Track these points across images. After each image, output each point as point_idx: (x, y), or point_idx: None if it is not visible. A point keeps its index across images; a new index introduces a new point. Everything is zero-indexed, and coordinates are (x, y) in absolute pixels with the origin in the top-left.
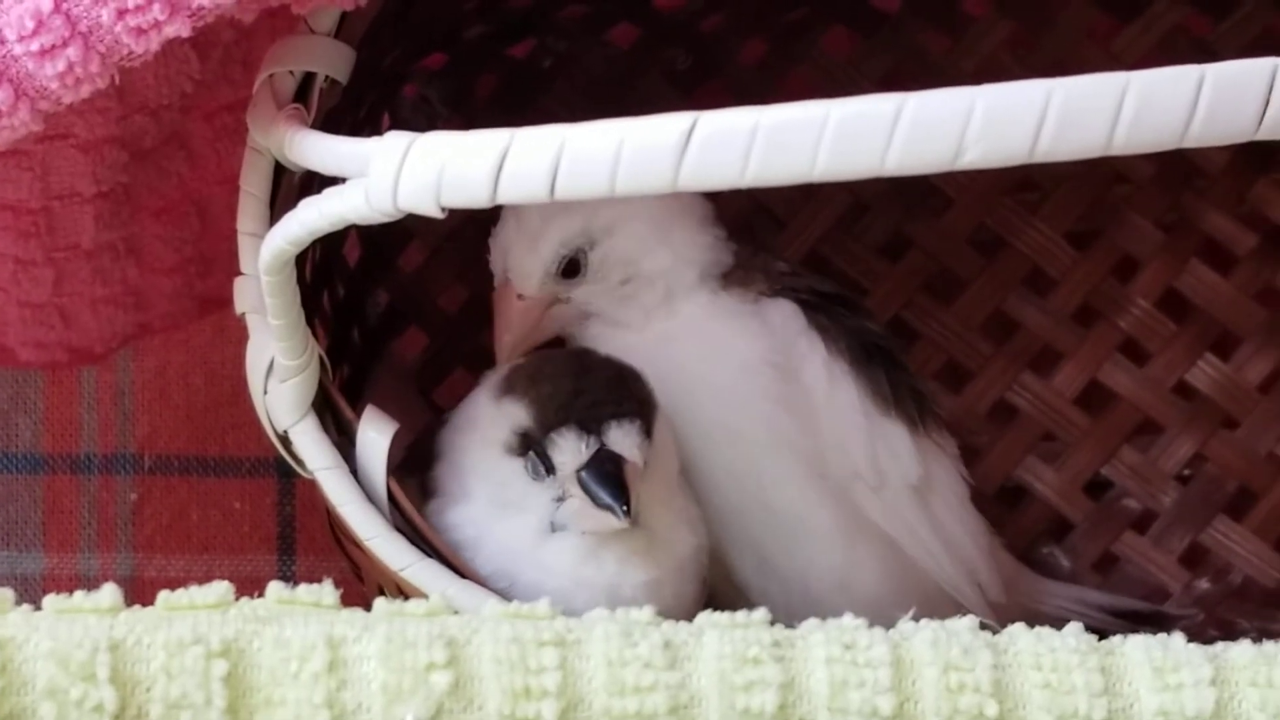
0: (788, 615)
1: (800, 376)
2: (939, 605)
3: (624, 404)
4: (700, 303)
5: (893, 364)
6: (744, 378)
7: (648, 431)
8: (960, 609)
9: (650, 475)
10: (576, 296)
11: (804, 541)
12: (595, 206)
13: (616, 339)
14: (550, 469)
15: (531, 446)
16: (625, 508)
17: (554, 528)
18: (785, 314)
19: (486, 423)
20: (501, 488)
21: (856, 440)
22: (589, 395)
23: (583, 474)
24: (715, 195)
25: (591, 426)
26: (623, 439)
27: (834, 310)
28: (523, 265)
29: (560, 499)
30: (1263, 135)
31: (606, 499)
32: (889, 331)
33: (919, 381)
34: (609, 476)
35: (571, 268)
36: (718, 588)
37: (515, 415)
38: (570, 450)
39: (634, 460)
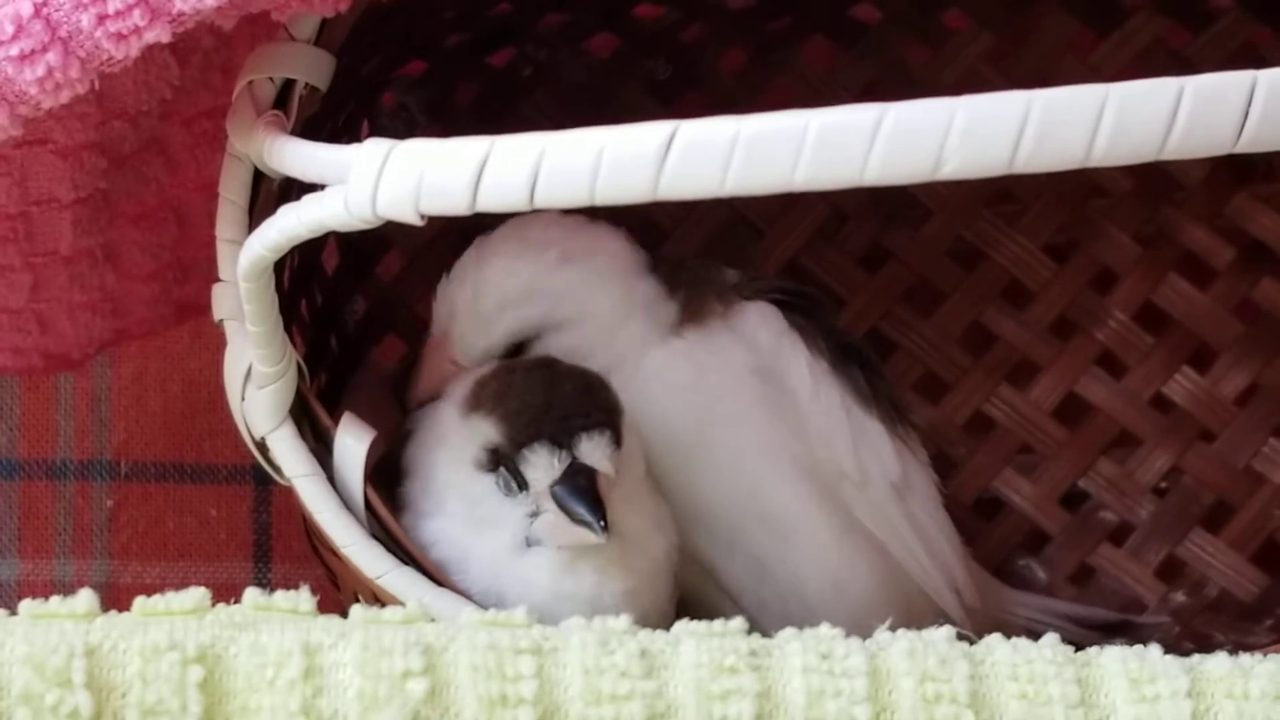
0: (785, 621)
1: (784, 378)
2: (922, 610)
3: (593, 415)
4: (657, 354)
5: (868, 366)
6: (730, 390)
7: (617, 440)
8: (938, 611)
9: (619, 481)
10: None
11: (799, 545)
12: (554, 300)
13: None
14: (522, 485)
15: (502, 463)
16: (602, 522)
17: (529, 543)
18: (763, 315)
19: (455, 439)
20: (474, 505)
21: (841, 438)
22: (558, 409)
23: (556, 489)
24: (694, 204)
25: (563, 441)
26: (594, 451)
27: (806, 309)
28: (469, 341)
29: (534, 514)
30: (1241, 148)
31: (583, 514)
32: (860, 337)
33: (889, 385)
34: (583, 491)
35: (515, 351)
36: (707, 598)
37: (484, 431)
38: (543, 466)
39: (606, 471)
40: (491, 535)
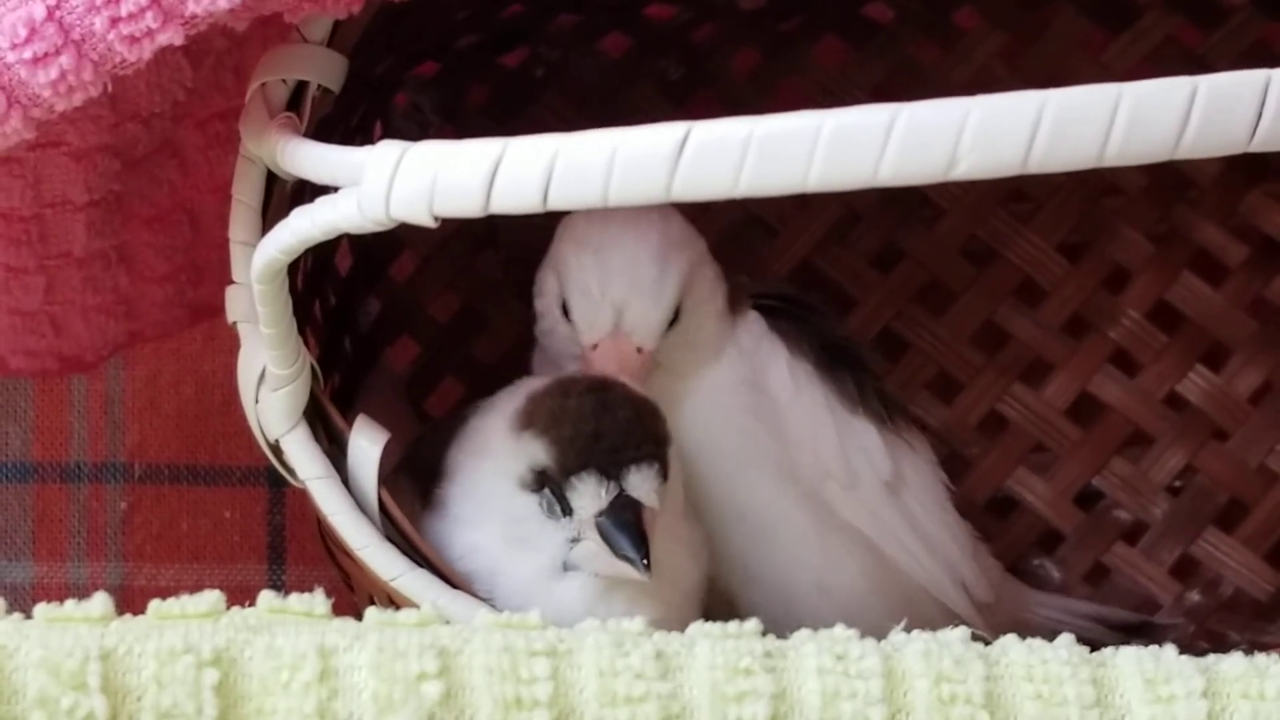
0: (772, 621)
1: (766, 382)
2: (923, 606)
3: (643, 446)
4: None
5: (859, 367)
6: (722, 399)
7: (664, 473)
8: (944, 609)
9: (661, 512)
10: (662, 347)
11: (781, 546)
12: (682, 250)
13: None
14: (567, 510)
15: (548, 486)
16: (645, 560)
17: (566, 567)
18: (746, 322)
19: (502, 453)
20: (514, 522)
21: (826, 439)
22: (610, 439)
23: (602, 521)
24: (707, 205)
25: (612, 472)
26: (641, 484)
27: (798, 314)
28: (648, 319)
29: (575, 540)
30: (1255, 147)
31: (628, 550)
32: (872, 341)
33: (886, 385)
34: (628, 525)
35: (673, 321)
36: (710, 603)
37: (533, 452)
38: (590, 495)
39: (652, 505)
40: (528, 555)
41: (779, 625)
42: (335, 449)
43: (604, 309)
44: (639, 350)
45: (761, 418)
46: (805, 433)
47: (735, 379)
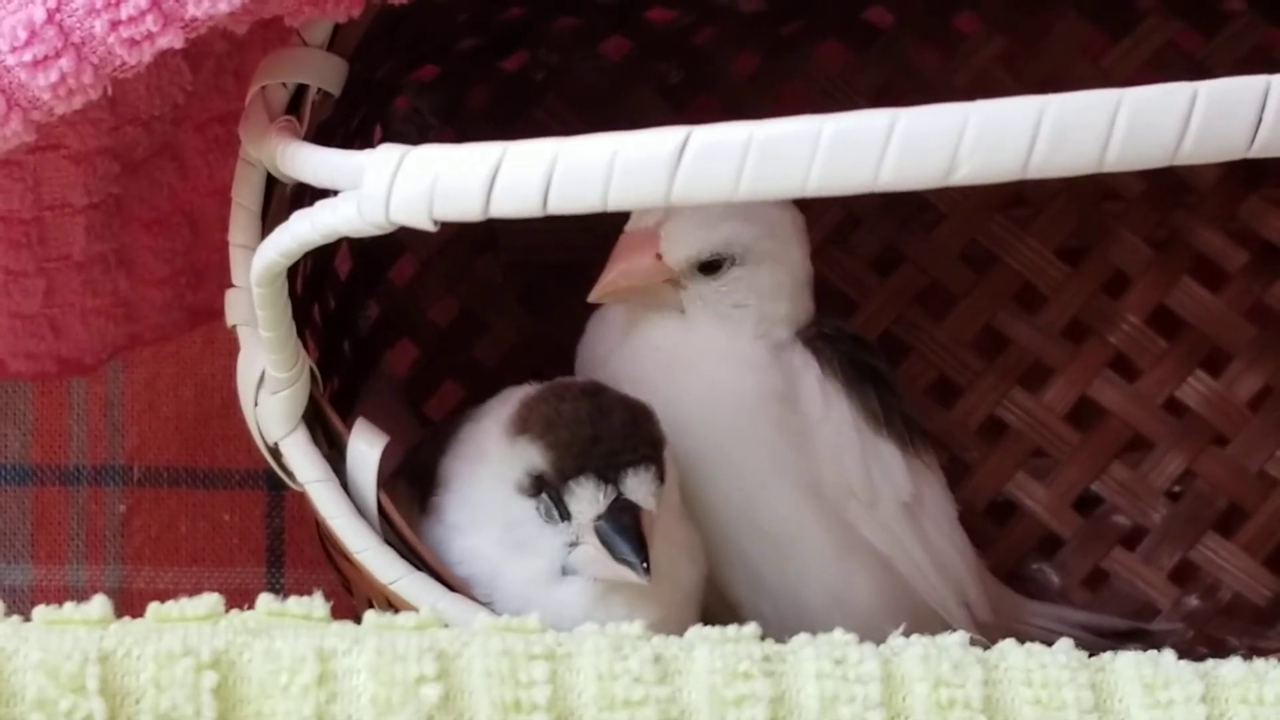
0: (781, 632)
1: (795, 395)
2: (929, 624)
3: (639, 450)
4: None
5: (883, 386)
6: (747, 409)
7: (661, 475)
8: (947, 627)
9: (658, 514)
10: (689, 289)
11: (796, 558)
12: (766, 233)
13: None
14: (565, 515)
15: (546, 490)
16: (645, 564)
17: (565, 571)
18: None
19: (498, 459)
20: (512, 528)
21: (851, 457)
22: (606, 443)
23: (600, 525)
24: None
25: (609, 475)
26: (638, 487)
27: (829, 335)
28: (682, 237)
29: (573, 544)
30: (1255, 153)
31: (627, 554)
32: (881, 354)
33: (907, 406)
34: (627, 529)
35: (710, 266)
36: (711, 606)
37: (530, 457)
38: (588, 499)
39: (649, 508)
40: (526, 560)
41: (787, 636)
42: (334, 452)
43: (654, 212)
44: (658, 257)
45: (788, 432)
46: (831, 450)
47: (765, 390)
